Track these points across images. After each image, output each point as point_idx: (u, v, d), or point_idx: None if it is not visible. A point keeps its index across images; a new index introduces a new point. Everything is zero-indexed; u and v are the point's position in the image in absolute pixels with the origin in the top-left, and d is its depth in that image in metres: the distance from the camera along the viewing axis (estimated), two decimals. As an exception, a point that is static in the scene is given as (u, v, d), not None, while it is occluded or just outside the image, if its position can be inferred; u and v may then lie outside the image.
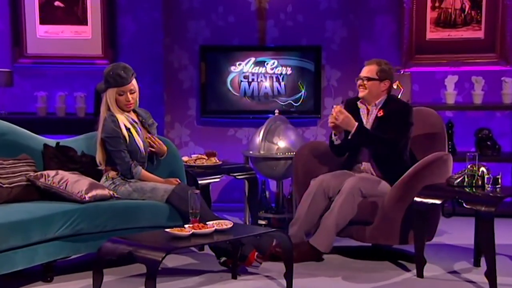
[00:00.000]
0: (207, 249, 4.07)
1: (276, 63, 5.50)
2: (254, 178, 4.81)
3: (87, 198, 3.71)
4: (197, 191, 3.46)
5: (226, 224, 3.41)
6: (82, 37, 5.79)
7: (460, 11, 5.58)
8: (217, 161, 4.78)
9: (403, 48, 5.64)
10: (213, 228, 3.33)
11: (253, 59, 5.51)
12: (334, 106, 4.10)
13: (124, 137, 3.93)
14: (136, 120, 4.07)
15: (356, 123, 4.02)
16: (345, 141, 4.09)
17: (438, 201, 3.76)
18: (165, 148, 4.11)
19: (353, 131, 4.00)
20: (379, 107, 4.13)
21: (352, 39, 5.58)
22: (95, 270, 3.25)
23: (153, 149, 4.05)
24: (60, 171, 3.87)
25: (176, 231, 3.26)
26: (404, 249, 4.22)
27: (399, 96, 5.23)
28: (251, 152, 4.96)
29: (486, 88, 5.44)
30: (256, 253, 3.86)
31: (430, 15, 5.61)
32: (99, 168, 4.03)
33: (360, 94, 4.15)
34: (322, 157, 4.34)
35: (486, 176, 3.73)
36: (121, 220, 3.76)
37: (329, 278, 3.75)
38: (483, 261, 3.69)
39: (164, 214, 3.88)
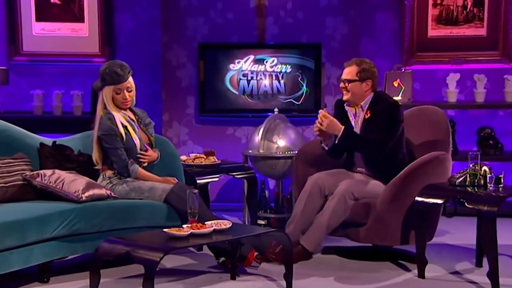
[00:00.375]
0: (205, 250, 4.06)
1: (275, 61, 5.48)
2: (254, 178, 4.80)
3: (84, 198, 3.70)
4: (196, 191, 3.45)
5: (225, 224, 3.41)
6: (79, 35, 5.76)
7: (462, 8, 5.55)
8: (216, 160, 4.77)
9: (404, 45, 5.61)
10: (212, 228, 3.32)
11: (252, 57, 5.49)
12: (320, 111, 4.03)
13: (121, 134, 3.91)
14: (133, 118, 4.04)
15: (342, 127, 3.96)
16: (334, 146, 4.03)
17: (439, 201, 3.76)
18: (156, 155, 4.06)
19: (339, 135, 3.95)
20: (365, 108, 4.06)
21: (352, 36, 5.56)
22: (92, 270, 3.24)
23: (145, 164, 4.00)
24: (56, 171, 3.86)
25: (174, 231, 3.25)
26: (405, 249, 4.20)
27: (399, 94, 5.20)
28: (250, 151, 4.94)
29: (488, 86, 5.41)
30: (256, 254, 3.85)
31: (432, 12, 5.58)
32: (96, 167, 4.01)
33: (344, 98, 4.09)
34: (323, 156, 4.30)
35: (488, 176, 3.71)
36: (119, 220, 3.75)
37: (329, 279, 3.74)
38: (485, 261, 3.68)
39: (162, 214, 3.87)
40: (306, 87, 5.47)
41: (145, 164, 4.01)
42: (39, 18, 5.72)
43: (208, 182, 4.59)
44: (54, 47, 5.73)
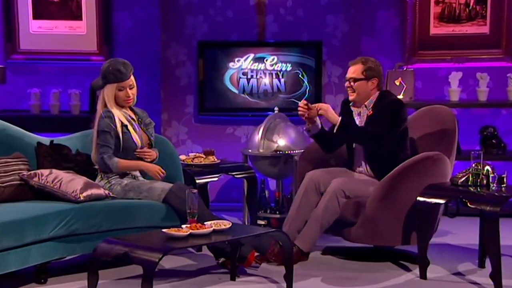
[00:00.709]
0: (205, 250, 4.06)
1: (275, 59, 5.47)
2: (253, 177, 4.79)
3: (82, 198, 3.68)
4: (195, 191, 3.44)
5: (224, 224, 3.40)
6: (77, 33, 5.73)
7: (465, 6, 5.53)
8: (215, 159, 4.76)
9: (406, 43, 5.59)
10: (211, 228, 3.31)
11: (252, 55, 5.47)
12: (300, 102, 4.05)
13: (117, 133, 3.87)
14: (134, 117, 4.03)
15: (340, 117, 3.96)
16: (322, 134, 4.03)
17: (441, 201, 3.75)
18: (155, 154, 4.03)
19: (337, 124, 3.93)
20: (370, 107, 4.04)
21: (353, 34, 5.54)
22: (90, 271, 3.24)
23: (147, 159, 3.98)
24: (54, 170, 3.84)
25: (173, 231, 3.24)
26: (406, 250, 4.18)
27: (401, 93, 5.17)
28: (250, 150, 4.93)
29: (491, 85, 5.39)
30: (256, 254, 3.83)
31: (434, 9, 5.56)
32: (95, 167, 3.99)
33: (350, 98, 4.08)
34: (327, 157, 4.28)
35: (491, 175, 3.70)
36: (117, 220, 3.73)
37: (329, 280, 3.72)
38: (488, 262, 3.68)
39: (161, 214, 3.85)
40: (308, 83, 5.45)
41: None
42: (36, 16, 5.70)
43: (207, 182, 4.60)
44: (52, 45, 5.71)
